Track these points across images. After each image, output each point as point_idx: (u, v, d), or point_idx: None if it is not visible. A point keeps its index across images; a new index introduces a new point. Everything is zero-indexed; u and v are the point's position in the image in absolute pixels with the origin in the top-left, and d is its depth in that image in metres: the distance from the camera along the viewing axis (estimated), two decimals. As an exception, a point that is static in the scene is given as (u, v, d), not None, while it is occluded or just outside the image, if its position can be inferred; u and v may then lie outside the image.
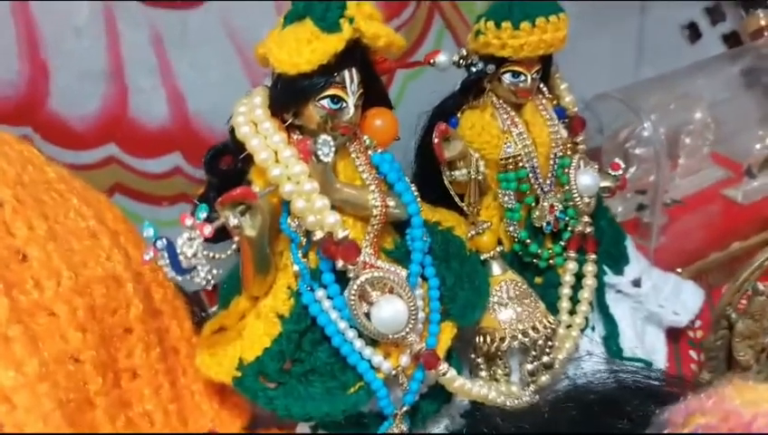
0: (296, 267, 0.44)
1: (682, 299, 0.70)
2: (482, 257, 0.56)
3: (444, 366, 0.48)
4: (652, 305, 0.67)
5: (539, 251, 0.59)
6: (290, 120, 0.45)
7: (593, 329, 0.62)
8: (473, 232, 0.56)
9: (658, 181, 0.72)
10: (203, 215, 0.38)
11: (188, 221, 0.37)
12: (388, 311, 0.44)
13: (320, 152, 0.41)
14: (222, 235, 0.41)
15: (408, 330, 0.46)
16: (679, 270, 0.78)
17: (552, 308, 0.59)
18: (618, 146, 0.81)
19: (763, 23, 0.82)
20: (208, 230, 0.37)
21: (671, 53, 1.02)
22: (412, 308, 0.46)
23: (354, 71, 0.44)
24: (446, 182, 0.55)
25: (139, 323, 0.49)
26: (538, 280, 0.61)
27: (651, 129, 0.70)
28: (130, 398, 0.48)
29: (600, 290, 0.63)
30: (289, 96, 0.44)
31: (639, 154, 0.81)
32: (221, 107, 0.75)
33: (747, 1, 0.83)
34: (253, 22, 0.73)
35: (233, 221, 0.39)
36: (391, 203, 0.47)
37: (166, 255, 0.36)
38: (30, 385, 0.38)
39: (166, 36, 0.71)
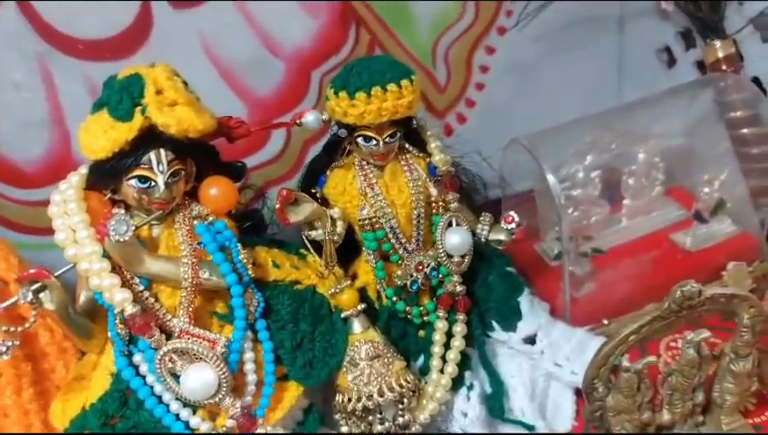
0: (110, 335, 0.48)
1: (586, 357, 0.67)
2: (343, 316, 0.57)
3: (261, 430, 0.50)
4: (548, 364, 0.65)
5: (408, 308, 0.59)
6: (109, 195, 0.48)
7: (471, 388, 0.61)
8: (332, 290, 0.57)
9: (562, 231, 0.69)
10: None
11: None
12: (195, 379, 0.47)
13: (113, 232, 0.44)
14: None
15: (221, 396, 0.48)
16: (605, 321, 0.74)
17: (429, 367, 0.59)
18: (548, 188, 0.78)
19: (720, 54, 0.75)
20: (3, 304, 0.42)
21: (652, 73, 0.96)
22: (222, 374, 0.48)
23: (162, 151, 0.47)
24: (304, 240, 0.57)
25: (9, 368, 0.54)
26: (421, 333, 0.62)
27: (552, 180, 0.67)
28: (-2, 435, 0.54)
29: (480, 348, 0.62)
30: (100, 177, 0.48)
31: (576, 196, 0.78)
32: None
33: (706, 29, 0.76)
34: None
35: (25, 299, 0.43)
36: (205, 275, 0.49)
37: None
38: None
39: (100, 84, 0.76)
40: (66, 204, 0.47)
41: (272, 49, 0.82)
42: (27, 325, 0.45)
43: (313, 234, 0.56)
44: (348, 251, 0.61)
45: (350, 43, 0.84)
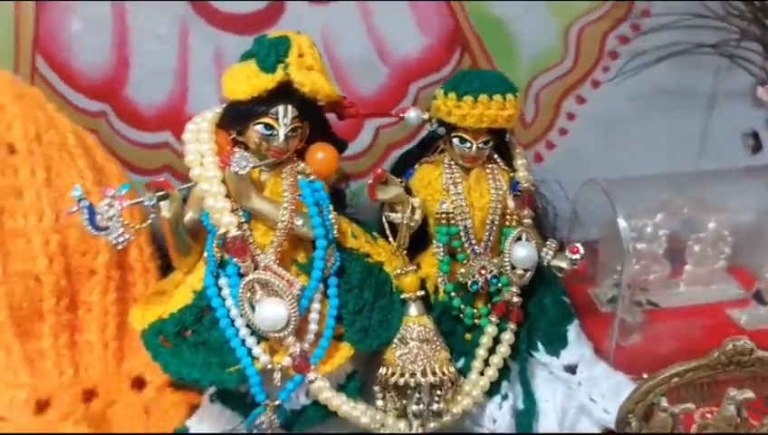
0: (206, 254, 0.54)
1: (620, 399, 0.68)
2: (402, 297, 0.61)
3: (313, 375, 0.54)
4: (583, 396, 0.67)
5: (462, 307, 0.63)
6: (233, 136, 0.55)
7: (505, 398, 0.64)
8: (398, 271, 0.61)
9: (621, 278, 0.71)
10: (124, 191, 0.49)
11: (110, 192, 0.49)
12: (268, 310, 0.52)
13: (234, 164, 0.51)
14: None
15: (286, 333, 0.53)
16: (645, 376, 0.75)
17: (470, 367, 0.62)
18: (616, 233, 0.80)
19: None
20: (126, 202, 0.48)
21: (734, 155, 0.97)
22: (293, 314, 0.53)
23: (290, 107, 0.53)
24: (384, 220, 0.62)
25: (104, 269, 0.61)
26: (467, 336, 0.65)
27: (623, 224, 0.70)
28: (80, 325, 0.60)
29: (522, 363, 0.65)
30: (232, 117, 0.54)
31: (640, 249, 0.80)
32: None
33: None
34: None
35: (149, 202, 0.50)
36: (299, 222, 0.54)
37: (86, 211, 0.48)
38: (-11, 285, 0.51)
39: (226, 53, 0.85)
40: (200, 132, 0.53)
41: (381, 54, 0.89)
42: (144, 225, 0.52)
43: (392, 216, 0.61)
44: (416, 244, 0.65)
45: (452, 64, 0.91)
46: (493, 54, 0.91)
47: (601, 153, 0.97)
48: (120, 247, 0.50)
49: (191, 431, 0.59)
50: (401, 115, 0.63)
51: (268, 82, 0.52)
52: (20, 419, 0.53)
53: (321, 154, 0.57)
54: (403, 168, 0.65)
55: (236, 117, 0.54)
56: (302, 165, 0.57)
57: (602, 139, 0.97)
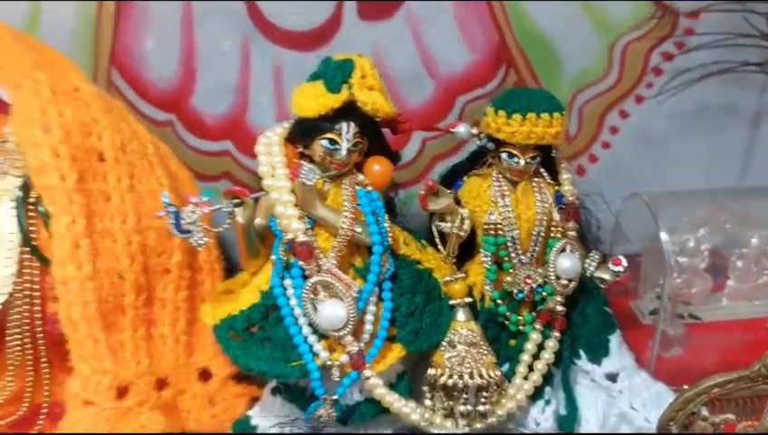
0: (274, 257, 0.59)
1: (661, 409, 0.69)
2: (450, 303, 0.65)
3: (368, 373, 0.58)
4: (624, 404, 0.69)
5: (507, 314, 0.66)
6: (300, 149, 0.60)
7: (548, 403, 0.67)
8: (447, 278, 0.65)
9: (663, 291, 0.73)
10: (205, 198, 0.55)
11: (193, 199, 0.54)
12: (329, 311, 0.56)
13: (303, 176, 0.56)
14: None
15: (344, 332, 0.57)
16: (685, 387, 0.76)
17: (514, 372, 0.65)
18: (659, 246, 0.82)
19: None
20: (206, 208, 0.54)
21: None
22: (351, 315, 0.57)
23: (352, 124, 0.58)
24: (433, 229, 0.66)
25: (177, 268, 0.67)
26: (512, 342, 0.68)
27: (666, 237, 0.72)
28: (155, 319, 0.66)
29: (565, 370, 0.67)
30: (300, 133, 0.59)
31: (682, 263, 0.81)
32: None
33: None
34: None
35: (227, 208, 0.55)
36: (358, 230, 0.59)
37: (172, 216, 0.53)
38: (81, 279, 0.57)
39: (285, 69, 0.91)
40: (270, 145, 0.58)
41: (429, 69, 0.93)
42: (220, 229, 0.57)
43: (443, 225, 0.64)
44: (462, 253, 0.69)
45: (497, 80, 0.94)
46: (537, 69, 0.94)
47: (643, 168, 0.99)
48: (199, 249, 0.55)
49: (253, 421, 0.64)
50: (451, 130, 0.67)
51: (334, 101, 0.56)
52: (103, 403, 0.58)
53: (378, 167, 0.61)
54: (452, 179, 0.68)
55: (304, 132, 0.59)
56: (361, 176, 0.61)
57: (645, 153, 0.99)
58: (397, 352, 0.61)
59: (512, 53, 0.93)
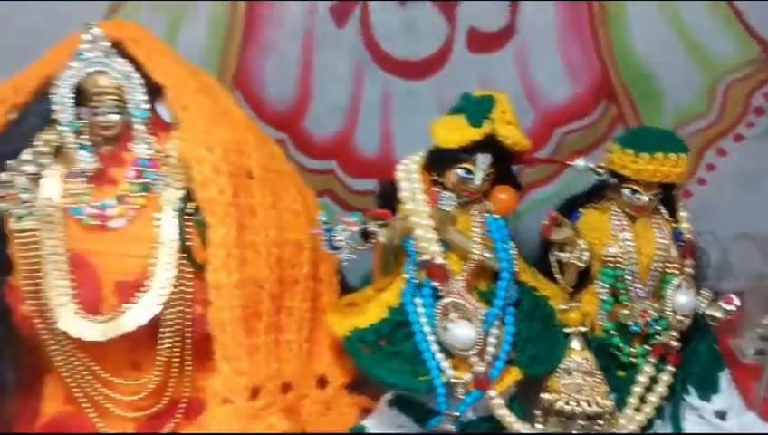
0: (407, 276, 0.63)
1: (770, 451, 0.70)
2: (565, 330, 0.67)
3: (493, 392, 0.61)
4: (733, 443, 0.69)
5: (621, 346, 0.68)
6: (435, 177, 0.64)
7: (656, 435, 0.68)
8: (563, 307, 0.68)
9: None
10: (355, 218, 0.59)
11: (346, 218, 0.58)
12: (460, 331, 0.60)
13: (442, 202, 0.60)
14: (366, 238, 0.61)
15: (472, 352, 0.60)
16: (791, 429, 0.76)
17: (623, 403, 0.67)
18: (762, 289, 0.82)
19: None
20: (355, 228, 0.58)
21: None
22: (479, 336, 0.60)
23: (488, 156, 0.62)
24: (551, 259, 0.68)
25: (305, 280, 0.71)
26: (621, 373, 0.69)
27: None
28: (283, 326, 0.70)
29: (675, 405, 0.68)
30: (438, 161, 0.63)
31: (786, 303, 0.81)
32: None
33: None
34: (453, 100, 0.95)
35: (372, 228, 0.59)
36: (488, 255, 0.62)
37: (327, 234, 0.58)
38: (231, 286, 0.62)
39: (393, 96, 0.95)
40: (410, 172, 0.63)
41: (530, 100, 0.96)
42: (365, 247, 0.61)
43: (562, 255, 0.67)
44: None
45: (598, 113, 0.96)
46: (639, 105, 0.96)
47: (739, 206, 0.99)
48: (345, 264, 0.60)
49: (368, 430, 0.68)
50: (570, 163, 0.70)
51: (476, 134, 0.61)
52: (239, 402, 0.63)
53: (504, 195, 0.65)
54: (569, 211, 0.71)
55: (441, 161, 0.63)
56: (488, 204, 0.65)
57: (741, 192, 0.99)
58: (514, 375, 0.64)
59: (613, 86, 0.95)
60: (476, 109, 0.61)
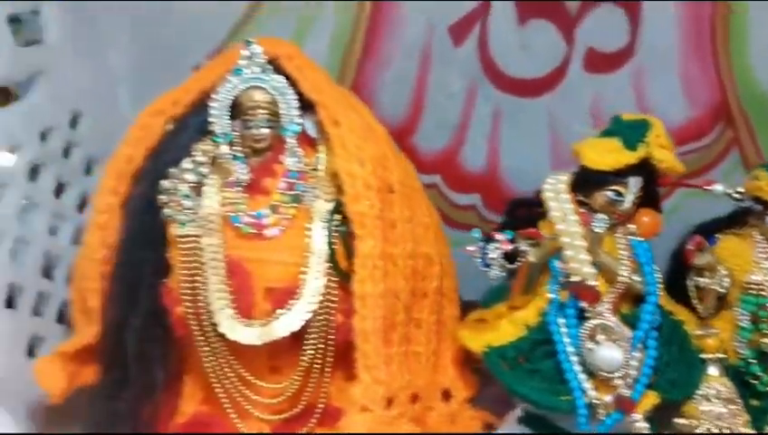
0: (551, 296, 0.63)
1: None
2: (702, 356, 0.66)
3: (637, 416, 0.61)
4: None
5: (760, 374, 0.66)
6: (580, 198, 0.64)
7: (796, 469, 0.66)
8: (701, 332, 0.67)
9: None
10: (508, 237, 0.60)
11: (499, 236, 0.60)
12: (607, 353, 0.60)
13: (595, 224, 0.60)
14: (511, 257, 0.62)
15: (617, 375, 0.60)
16: None
17: (759, 432, 0.66)
18: None
19: None
20: (508, 247, 0.59)
21: None
22: (626, 359, 0.60)
23: (639, 178, 0.62)
24: (689, 284, 0.67)
25: (433, 293, 0.72)
26: (755, 402, 0.67)
27: None
28: (412, 338, 0.72)
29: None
30: (587, 182, 0.64)
31: None
32: (522, 171, 0.99)
33: None
34: (566, 118, 0.95)
35: (524, 247, 0.60)
36: (635, 278, 0.62)
37: (480, 251, 0.59)
38: (375, 296, 0.64)
39: (503, 112, 0.96)
40: (558, 193, 0.64)
41: (645, 122, 0.95)
42: (514, 266, 0.62)
43: (700, 280, 0.66)
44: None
45: (712, 136, 0.95)
46: (757, 130, 0.94)
47: None
48: (494, 283, 0.61)
49: (498, 444, 0.68)
50: (707, 188, 0.69)
51: (631, 157, 0.61)
52: (376, 411, 0.64)
53: (647, 218, 0.65)
54: (707, 236, 0.70)
55: (591, 183, 0.64)
56: (632, 226, 0.65)
57: None
58: (652, 398, 0.63)
59: (732, 110, 0.94)
60: (632, 132, 0.62)
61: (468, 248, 0.60)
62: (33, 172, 0.82)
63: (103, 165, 0.98)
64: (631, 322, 0.63)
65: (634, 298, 0.64)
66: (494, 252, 0.59)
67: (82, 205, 0.92)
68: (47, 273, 0.82)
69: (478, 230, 0.60)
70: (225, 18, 0.94)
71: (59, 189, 0.87)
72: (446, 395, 0.73)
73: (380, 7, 0.91)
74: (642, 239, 0.64)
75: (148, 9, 0.93)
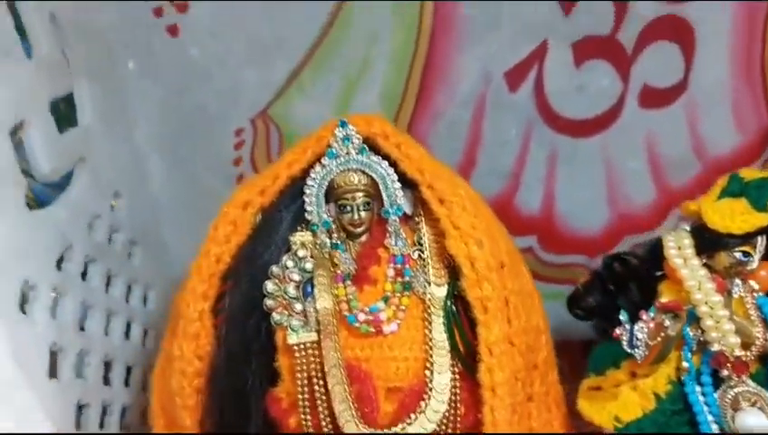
0: (686, 364, 0.61)
1: None
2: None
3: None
4: None
5: None
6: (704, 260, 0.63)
7: None
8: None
9: None
10: (652, 315, 0.58)
11: (645, 317, 0.57)
12: (753, 420, 0.58)
13: (734, 291, 0.58)
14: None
15: (771, 438, 0.59)
16: None
17: None
18: None
19: None
20: (652, 324, 0.57)
21: None
22: (774, 423, 0.59)
23: (765, 237, 0.61)
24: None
25: (542, 363, 0.69)
26: None
27: None
28: (528, 413, 0.68)
29: None
30: (712, 244, 0.62)
31: None
32: (578, 213, 0.97)
33: None
34: (621, 155, 0.94)
35: (667, 323, 0.58)
36: (769, 338, 0.61)
37: (627, 333, 0.56)
38: (503, 385, 0.60)
39: (559, 154, 0.95)
40: (688, 259, 0.62)
41: (697, 152, 0.95)
42: (655, 342, 0.60)
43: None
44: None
45: (760, 161, 0.96)
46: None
47: None
48: (639, 362, 0.58)
49: None
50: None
51: (763, 220, 0.60)
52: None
53: (765, 272, 0.63)
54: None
55: (718, 245, 0.62)
56: (754, 283, 0.63)
57: None
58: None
59: (780, 134, 0.95)
60: (759, 192, 0.61)
61: (616, 332, 0.57)
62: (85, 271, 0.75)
63: (145, 247, 0.91)
64: (759, 381, 0.62)
65: (762, 358, 0.63)
66: (641, 332, 0.57)
67: (128, 293, 0.85)
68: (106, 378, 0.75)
69: (625, 313, 0.57)
70: (267, 83, 0.88)
71: (107, 282, 0.80)
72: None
73: (433, 60, 0.88)
74: (762, 295, 0.63)
75: (184, 77, 0.86)
